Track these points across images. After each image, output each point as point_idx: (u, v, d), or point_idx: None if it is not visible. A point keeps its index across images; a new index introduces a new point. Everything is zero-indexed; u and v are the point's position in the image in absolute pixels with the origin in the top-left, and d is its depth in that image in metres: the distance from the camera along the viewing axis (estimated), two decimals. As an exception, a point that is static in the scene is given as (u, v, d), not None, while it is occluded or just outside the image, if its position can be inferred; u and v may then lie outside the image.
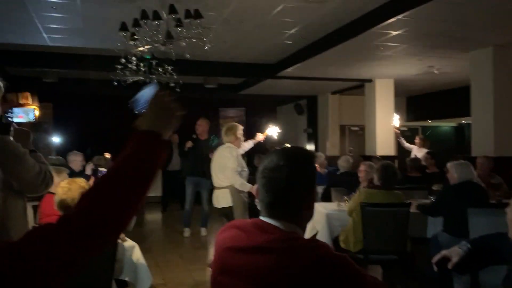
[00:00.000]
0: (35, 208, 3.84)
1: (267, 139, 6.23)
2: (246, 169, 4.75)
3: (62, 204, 2.61)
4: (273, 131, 6.16)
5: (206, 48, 4.48)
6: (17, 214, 1.81)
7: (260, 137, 5.73)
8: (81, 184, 2.72)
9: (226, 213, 4.65)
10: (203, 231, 6.77)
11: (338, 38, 6.27)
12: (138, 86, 6.59)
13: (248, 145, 5.44)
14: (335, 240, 4.28)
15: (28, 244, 0.79)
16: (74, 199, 2.58)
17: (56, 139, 11.14)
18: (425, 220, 4.55)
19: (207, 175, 5.68)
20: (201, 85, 10.36)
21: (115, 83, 6.20)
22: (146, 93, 1.16)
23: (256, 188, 1.39)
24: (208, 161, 5.44)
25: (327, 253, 1.20)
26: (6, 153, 1.70)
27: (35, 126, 11.36)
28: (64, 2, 5.15)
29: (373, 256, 3.96)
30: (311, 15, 5.66)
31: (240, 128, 4.86)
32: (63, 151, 7.84)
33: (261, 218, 1.35)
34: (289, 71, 8.23)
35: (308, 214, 1.36)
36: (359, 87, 9.72)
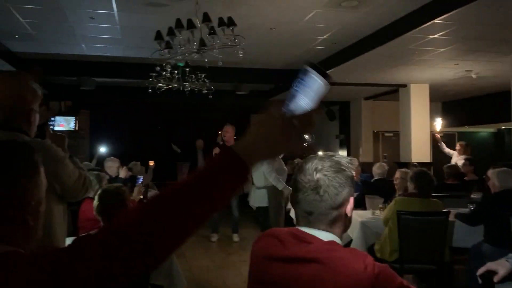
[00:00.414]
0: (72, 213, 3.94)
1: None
2: (284, 167, 4.81)
3: (100, 210, 2.67)
4: (308, 137, 6.10)
5: (240, 55, 4.50)
6: (59, 219, 1.84)
7: None
8: (119, 190, 2.78)
9: (262, 213, 4.81)
10: (235, 237, 6.77)
11: (372, 43, 6.19)
12: (172, 93, 6.72)
13: None
14: (370, 249, 4.19)
15: (75, 256, 0.78)
16: (112, 205, 2.64)
17: (93, 146, 11.45)
18: (464, 229, 4.40)
19: None
20: (233, 91, 10.43)
21: (150, 91, 6.33)
22: (310, 88, 0.82)
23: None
24: None
25: (370, 263, 1.16)
26: (47, 157, 1.69)
27: (72, 133, 11.76)
28: (103, 12, 5.31)
29: (409, 266, 3.85)
30: (344, 20, 5.61)
31: None
32: (100, 157, 8.04)
33: (298, 227, 1.32)
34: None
35: (346, 223, 1.33)
36: (393, 92, 9.55)
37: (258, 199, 4.89)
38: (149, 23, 5.47)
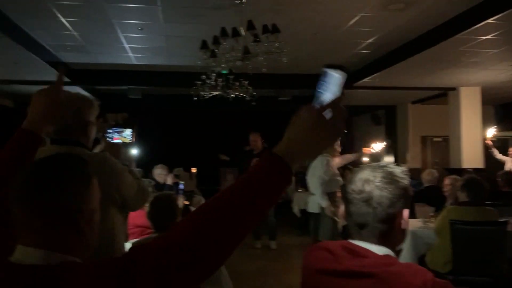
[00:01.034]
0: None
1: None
2: (339, 178, 4.81)
3: (151, 216, 2.72)
4: (378, 146, 6.02)
5: (284, 61, 4.49)
6: (120, 228, 1.86)
7: (364, 152, 5.70)
8: (171, 197, 2.83)
9: (314, 219, 5.01)
10: (273, 244, 6.67)
11: (420, 45, 6.01)
12: (215, 100, 6.79)
13: (343, 160, 5.34)
14: (421, 260, 4.03)
15: (133, 267, 0.79)
16: (164, 211, 2.68)
17: (138, 153, 11.76)
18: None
19: None
20: (275, 97, 10.43)
21: (195, 98, 6.43)
22: (332, 81, 0.91)
23: (342, 211, 1.33)
24: None
25: (429, 280, 1.10)
26: (107, 170, 1.73)
27: (129, 144, 12.12)
28: (149, 23, 5.46)
29: (464, 278, 3.67)
30: (390, 23, 5.48)
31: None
32: (146, 164, 8.25)
33: (351, 241, 1.28)
34: (366, 80, 8.01)
35: (400, 236, 1.27)
36: (442, 96, 9.21)
37: (312, 205, 5.05)
38: (194, 32, 5.58)
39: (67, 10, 4.95)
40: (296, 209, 7.46)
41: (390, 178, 1.24)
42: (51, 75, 7.38)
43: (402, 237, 1.28)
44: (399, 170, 1.28)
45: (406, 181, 1.28)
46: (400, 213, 1.24)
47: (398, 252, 1.28)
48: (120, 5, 4.82)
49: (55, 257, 0.86)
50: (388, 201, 1.21)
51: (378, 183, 1.22)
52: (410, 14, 5.12)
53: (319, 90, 0.90)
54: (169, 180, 6.01)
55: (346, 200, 1.28)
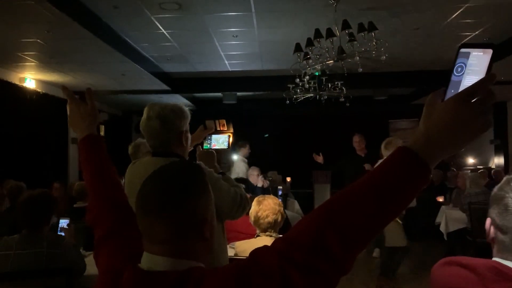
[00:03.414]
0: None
1: None
2: None
3: (257, 221, 2.76)
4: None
5: (382, 59, 4.30)
6: (220, 238, 1.87)
7: None
8: (273, 201, 2.84)
9: None
10: (376, 252, 6.42)
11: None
12: (309, 103, 6.73)
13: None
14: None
15: (257, 269, 0.79)
16: (267, 216, 2.71)
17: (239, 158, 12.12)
18: None
19: None
20: (371, 97, 10.08)
21: (287, 102, 6.44)
22: (479, 59, 0.77)
23: None
24: None
25: None
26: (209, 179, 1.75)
27: (224, 150, 12.62)
28: (244, 30, 5.59)
29: None
30: (500, 13, 4.99)
31: (400, 142, 4.56)
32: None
33: (500, 260, 1.08)
34: (472, 76, 7.39)
35: None
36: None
37: None
38: (287, 36, 5.59)
39: (167, 22, 5.25)
40: None
41: None
42: (155, 84, 7.92)
43: None
44: None
45: None
46: None
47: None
48: (217, 14, 4.99)
49: (182, 263, 0.88)
50: None
51: None
52: (524, 1, 4.63)
53: (456, 74, 0.77)
54: (260, 183, 6.19)
55: (505, 209, 1.08)
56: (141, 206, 0.92)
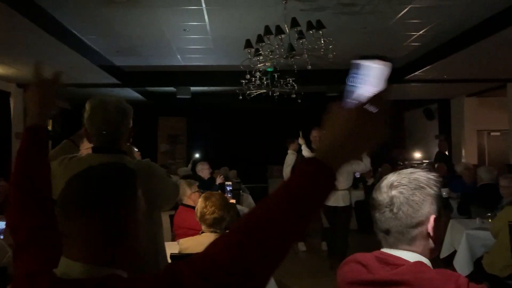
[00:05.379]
0: (171, 218, 4.15)
1: None
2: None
3: (202, 217, 2.76)
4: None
5: (329, 58, 4.40)
6: (161, 232, 1.89)
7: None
8: (220, 197, 2.85)
9: (345, 212, 5.54)
10: (324, 245, 6.53)
11: (476, 35, 5.69)
12: (261, 99, 6.80)
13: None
14: (477, 263, 3.83)
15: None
16: (214, 212, 2.72)
17: (190, 151, 12.05)
18: None
19: None
20: (323, 93, 10.27)
21: (240, 97, 6.46)
22: (373, 74, 0.83)
23: None
24: None
25: (463, 285, 1.09)
26: (153, 176, 1.73)
27: (172, 139, 12.49)
28: (195, 24, 5.54)
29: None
30: (443, 14, 5.23)
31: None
32: (196, 161, 8.42)
33: (381, 250, 1.28)
34: (418, 74, 7.71)
35: (431, 243, 1.24)
36: (500, 88, 8.71)
37: (341, 199, 5.48)
38: (239, 32, 5.60)
39: (116, 15, 5.12)
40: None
41: (415, 184, 1.22)
42: (104, 78, 7.70)
43: (435, 243, 1.25)
44: (426, 177, 1.25)
45: (434, 187, 1.24)
46: (426, 220, 1.21)
47: (453, 254, 1.27)
48: (167, 8, 4.92)
49: (100, 271, 0.85)
50: (410, 207, 1.20)
51: (401, 189, 1.22)
52: (464, 2, 4.86)
53: (352, 84, 0.82)
54: (218, 180, 6.25)
55: (372, 206, 1.28)
56: (61, 207, 0.89)
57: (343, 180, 5.46)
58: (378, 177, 8.47)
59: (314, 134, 6.44)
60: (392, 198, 1.22)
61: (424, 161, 10.64)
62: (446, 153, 9.58)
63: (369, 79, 0.82)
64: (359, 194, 7.57)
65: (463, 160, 9.20)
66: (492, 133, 10.25)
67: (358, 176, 7.68)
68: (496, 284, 3.44)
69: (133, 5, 4.79)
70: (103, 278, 0.84)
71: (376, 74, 0.82)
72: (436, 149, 10.69)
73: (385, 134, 0.81)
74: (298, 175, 0.80)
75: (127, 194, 0.92)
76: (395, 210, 1.21)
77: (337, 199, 5.49)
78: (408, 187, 1.22)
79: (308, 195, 0.78)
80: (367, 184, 8.11)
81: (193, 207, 3.15)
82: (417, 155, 11.66)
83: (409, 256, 1.21)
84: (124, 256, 0.90)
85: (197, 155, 10.82)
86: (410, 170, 1.28)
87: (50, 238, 1.01)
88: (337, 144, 0.80)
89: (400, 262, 1.20)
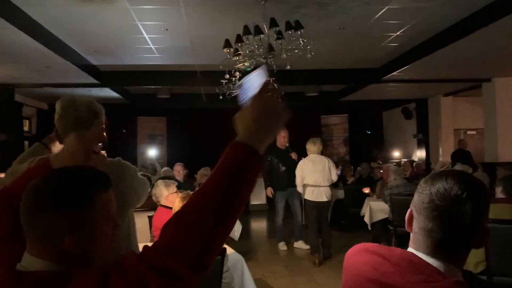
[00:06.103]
0: (149, 218, 4.11)
1: None
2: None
3: None
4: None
5: (308, 58, 4.42)
6: (134, 229, 1.88)
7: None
8: None
9: (328, 206, 5.98)
10: (301, 243, 6.56)
11: (452, 36, 5.80)
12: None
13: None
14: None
15: (116, 272, 0.82)
16: None
17: (170, 150, 11.96)
18: None
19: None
20: (302, 93, 10.34)
21: (221, 97, 6.45)
22: (254, 81, 1.00)
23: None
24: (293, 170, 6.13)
25: None
26: (126, 175, 1.74)
27: (152, 139, 12.38)
28: (173, 24, 5.50)
29: (498, 279, 3.52)
30: (419, 15, 5.31)
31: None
32: (174, 162, 8.36)
33: (415, 252, 1.09)
34: (396, 74, 7.83)
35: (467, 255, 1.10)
36: (476, 88, 8.90)
37: (324, 194, 5.84)
38: (217, 32, 5.58)
39: (93, 13, 5.04)
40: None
41: (482, 193, 1.07)
42: (82, 77, 7.58)
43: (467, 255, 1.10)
44: (483, 185, 1.10)
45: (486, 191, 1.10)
46: (483, 232, 1.06)
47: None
48: (144, 7, 4.87)
49: (56, 267, 0.89)
50: (480, 219, 1.05)
51: (473, 198, 1.04)
52: (439, 4, 4.95)
53: (243, 100, 1.00)
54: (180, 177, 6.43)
55: (420, 209, 1.09)
56: (23, 203, 0.92)
57: (323, 178, 5.88)
58: (357, 176, 8.57)
59: (283, 134, 6.47)
60: (465, 206, 1.04)
61: (402, 159, 10.80)
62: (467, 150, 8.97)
63: (253, 86, 0.99)
64: (339, 193, 7.65)
65: (440, 159, 9.36)
66: (468, 132, 10.48)
67: (339, 174, 7.74)
68: (471, 279, 3.51)
69: (108, 3, 4.73)
70: (58, 272, 0.87)
71: (257, 80, 1.00)
72: (414, 148, 10.85)
73: (286, 112, 0.96)
74: (227, 158, 0.88)
75: (86, 198, 0.92)
76: (449, 219, 1.06)
77: (320, 194, 5.81)
78: (481, 197, 1.07)
79: (238, 175, 0.86)
80: (346, 183, 8.19)
81: (171, 208, 3.13)
82: (396, 154, 11.83)
83: (448, 269, 1.05)
84: (86, 255, 0.92)
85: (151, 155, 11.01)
86: (468, 173, 1.13)
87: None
88: (253, 128, 0.91)
89: (436, 276, 1.02)
